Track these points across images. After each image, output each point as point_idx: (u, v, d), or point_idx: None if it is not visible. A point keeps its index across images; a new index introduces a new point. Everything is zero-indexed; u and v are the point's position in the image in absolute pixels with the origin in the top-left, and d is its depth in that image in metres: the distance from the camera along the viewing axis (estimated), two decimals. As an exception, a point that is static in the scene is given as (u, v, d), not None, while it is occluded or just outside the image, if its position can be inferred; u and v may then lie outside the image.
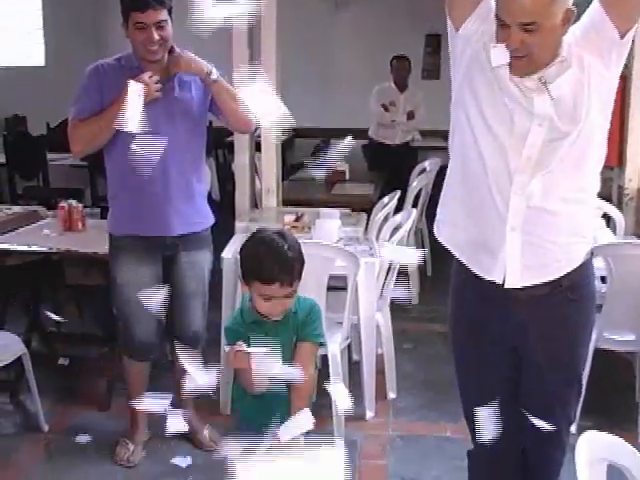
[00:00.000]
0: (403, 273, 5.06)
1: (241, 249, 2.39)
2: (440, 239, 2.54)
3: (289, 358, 2.37)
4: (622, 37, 2.19)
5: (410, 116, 7.71)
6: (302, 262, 2.34)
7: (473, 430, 2.57)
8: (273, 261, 2.26)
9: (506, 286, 2.35)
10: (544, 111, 2.23)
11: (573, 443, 1.82)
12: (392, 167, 7.22)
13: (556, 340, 2.42)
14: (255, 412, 2.44)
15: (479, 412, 2.44)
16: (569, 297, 2.38)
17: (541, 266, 2.35)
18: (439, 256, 6.96)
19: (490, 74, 2.27)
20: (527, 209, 2.29)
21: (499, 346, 2.47)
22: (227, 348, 2.45)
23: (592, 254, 2.44)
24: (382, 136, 7.81)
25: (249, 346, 2.29)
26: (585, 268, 2.40)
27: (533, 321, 2.40)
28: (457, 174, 2.46)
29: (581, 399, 2.58)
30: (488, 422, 2.42)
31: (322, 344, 2.48)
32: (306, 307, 2.43)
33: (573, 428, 2.69)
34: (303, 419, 2.31)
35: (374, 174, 7.32)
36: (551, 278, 2.35)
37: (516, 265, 2.34)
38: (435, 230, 2.56)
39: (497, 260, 2.35)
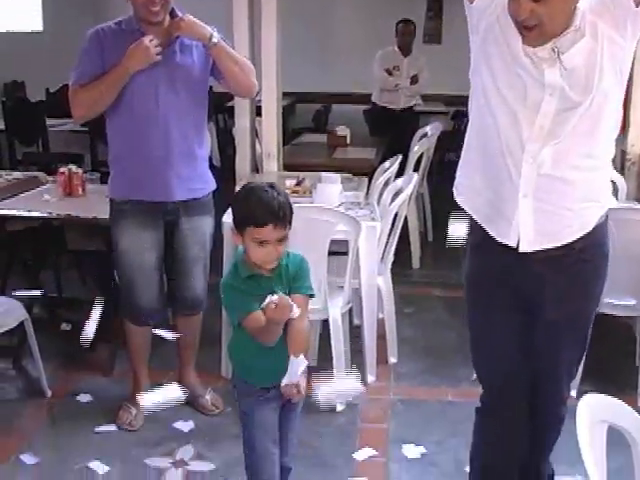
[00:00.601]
0: (404, 236, 5.06)
1: (233, 200, 2.46)
2: (458, 201, 2.59)
3: None
4: (637, 5, 2.17)
5: (414, 80, 7.67)
6: (292, 210, 2.41)
7: (483, 385, 2.64)
8: (265, 204, 2.33)
9: (520, 250, 2.40)
10: (555, 82, 2.24)
11: (573, 407, 1.83)
12: (395, 132, 7.19)
13: (568, 298, 2.46)
14: (258, 362, 2.49)
15: (489, 368, 2.57)
16: (582, 258, 2.42)
17: (554, 231, 2.39)
18: (440, 222, 7.03)
19: (504, 46, 2.28)
20: (538, 177, 2.32)
21: (512, 303, 2.51)
22: (231, 315, 2.51)
23: (607, 216, 2.46)
24: (386, 101, 7.76)
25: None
26: (599, 230, 2.43)
27: (547, 279, 2.44)
28: (474, 139, 2.49)
29: (584, 358, 2.61)
30: (498, 377, 2.56)
31: (312, 296, 2.53)
32: (296, 261, 2.50)
33: (573, 392, 2.72)
34: (299, 362, 2.41)
35: (375, 139, 7.29)
36: (563, 242, 2.39)
37: (529, 230, 2.38)
38: (454, 192, 2.60)
39: (511, 225, 2.40)
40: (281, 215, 2.34)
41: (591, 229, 2.39)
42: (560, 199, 2.35)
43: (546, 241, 2.39)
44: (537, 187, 2.33)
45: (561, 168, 2.32)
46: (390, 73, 7.65)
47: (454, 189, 2.61)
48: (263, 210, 2.33)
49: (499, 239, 2.44)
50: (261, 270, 2.41)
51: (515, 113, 2.30)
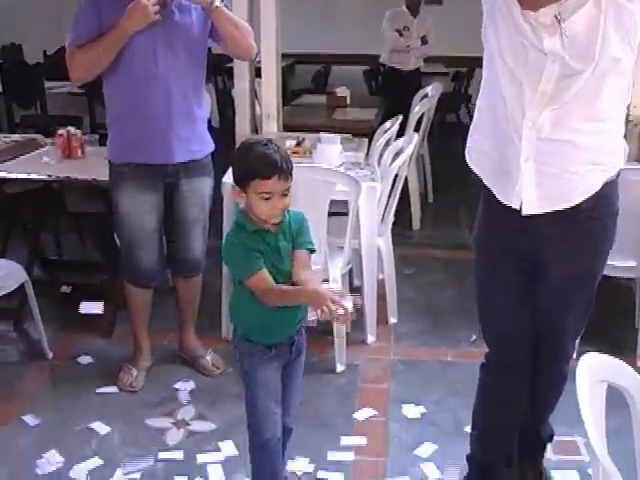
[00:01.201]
0: (404, 197, 5.05)
1: (233, 158, 2.43)
2: (470, 164, 2.60)
3: (289, 264, 2.45)
4: None
5: (424, 41, 7.61)
6: (292, 163, 2.40)
7: (488, 342, 2.70)
8: (268, 157, 2.32)
9: (523, 213, 2.40)
10: (555, 50, 2.21)
11: (573, 368, 1.83)
12: (400, 93, 7.10)
13: (576, 257, 2.48)
14: (261, 320, 2.47)
15: (494, 326, 2.63)
16: (591, 216, 2.42)
17: (558, 194, 2.39)
18: (440, 183, 7.02)
19: (507, 12, 2.26)
20: (538, 141, 2.32)
21: (519, 263, 2.53)
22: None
23: (618, 176, 2.46)
24: (396, 62, 7.69)
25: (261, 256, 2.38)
26: (608, 189, 2.42)
27: (554, 239, 2.45)
28: (484, 103, 2.50)
29: (588, 315, 2.62)
30: (502, 335, 2.62)
31: (313, 251, 2.54)
32: (298, 218, 2.51)
33: (573, 354, 2.73)
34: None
35: (375, 99, 7.24)
36: (568, 205, 2.39)
37: (532, 194, 2.39)
38: (467, 156, 2.61)
39: (514, 188, 2.41)
40: (284, 166, 2.34)
41: (599, 189, 2.38)
42: (564, 162, 2.35)
43: (550, 204, 2.39)
44: (538, 151, 2.34)
45: (562, 132, 2.31)
46: (400, 34, 7.58)
47: (466, 153, 2.61)
48: (266, 162, 2.32)
49: (504, 202, 2.46)
50: (265, 225, 2.41)
51: (518, 79, 2.30)
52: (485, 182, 2.54)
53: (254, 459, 2.63)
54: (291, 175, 2.38)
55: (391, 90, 7.41)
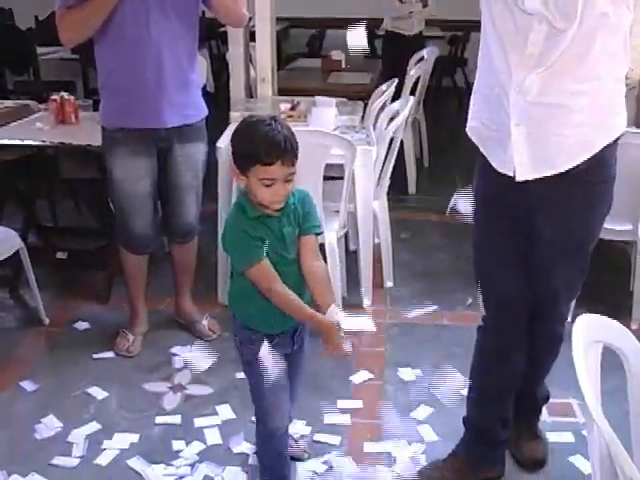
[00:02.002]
0: (400, 162, 5.04)
1: (233, 138, 2.26)
2: (468, 134, 2.59)
3: (294, 252, 2.33)
4: None
5: (424, 3, 7.55)
6: (297, 145, 2.24)
7: (485, 304, 2.70)
8: (271, 139, 2.14)
9: (517, 179, 2.39)
10: (536, 9, 2.18)
11: (568, 331, 1.83)
12: (406, 58, 7.02)
13: (571, 218, 2.47)
14: (264, 310, 2.33)
15: (491, 287, 2.64)
16: (587, 179, 2.39)
17: (551, 158, 2.36)
18: (436, 147, 6.99)
19: None
20: (526, 104, 2.30)
21: (515, 225, 2.53)
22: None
23: (617, 139, 2.42)
24: (400, 28, 7.63)
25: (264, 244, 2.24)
26: (607, 151, 2.39)
27: (550, 199, 2.44)
28: (480, 69, 2.49)
29: (584, 278, 2.62)
30: (498, 296, 2.63)
31: (321, 233, 2.42)
32: (303, 199, 2.36)
33: (568, 316, 2.73)
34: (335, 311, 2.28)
35: (371, 63, 7.19)
36: (562, 169, 2.36)
37: (524, 159, 2.37)
38: (467, 127, 2.59)
39: (506, 154, 2.39)
40: (289, 150, 2.17)
41: (597, 152, 2.35)
42: (557, 126, 2.32)
43: (543, 169, 2.37)
44: (528, 115, 2.31)
45: (552, 95, 2.28)
46: (401, 0, 7.51)
47: (467, 124, 2.60)
48: (269, 146, 2.13)
49: (499, 169, 2.44)
50: (267, 210, 2.26)
51: (504, 41, 2.28)
52: (481, 149, 2.54)
53: (262, 449, 2.58)
54: (296, 158, 2.21)
55: (396, 55, 7.32)
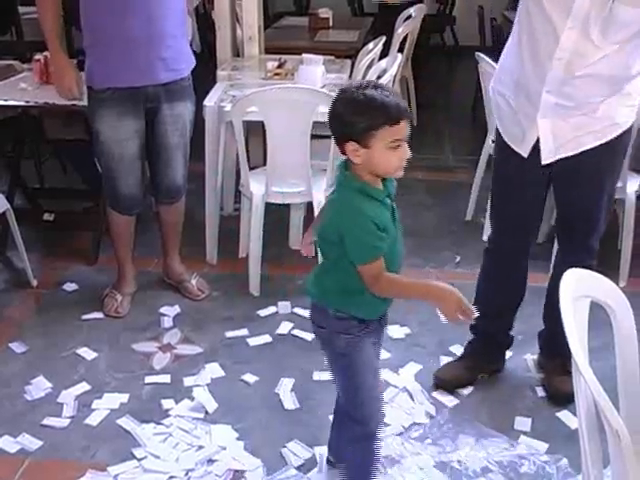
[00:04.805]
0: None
1: (344, 112, 2.01)
2: (490, 94, 2.88)
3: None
4: None
5: None
6: None
7: (497, 223, 3.01)
8: (390, 101, 1.97)
9: (543, 163, 2.67)
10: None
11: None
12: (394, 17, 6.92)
13: (590, 163, 2.69)
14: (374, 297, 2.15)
15: (503, 209, 2.91)
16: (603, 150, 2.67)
17: (575, 140, 2.63)
18: (424, 106, 6.94)
19: None
20: (555, 106, 2.56)
21: (535, 165, 2.71)
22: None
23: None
24: None
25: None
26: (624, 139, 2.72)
27: (567, 169, 2.72)
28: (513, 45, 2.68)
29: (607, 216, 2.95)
30: (508, 218, 2.91)
31: None
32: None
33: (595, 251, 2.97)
34: None
35: (358, 21, 7.12)
36: (588, 147, 2.64)
37: (549, 145, 2.64)
38: (491, 88, 2.86)
39: (524, 140, 2.68)
40: (406, 108, 2.02)
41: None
42: (582, 118, 2.58)
43: (567, 150, 2.65)
44: (557, 113, 2.57)
45: (579, 97, 2.54)
46: None
47: (490, 88, 2.88)
48: (393, 105, 1.97)
49: (510, 142, 2.72)
50: (378, 185, 2.09)
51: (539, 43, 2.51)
52: (498, 125, 2.78)
53: (361, 455, 2.33)
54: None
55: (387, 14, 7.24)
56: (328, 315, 2.18)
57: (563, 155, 2.65)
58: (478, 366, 3.13)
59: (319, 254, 2.24)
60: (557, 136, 2.62)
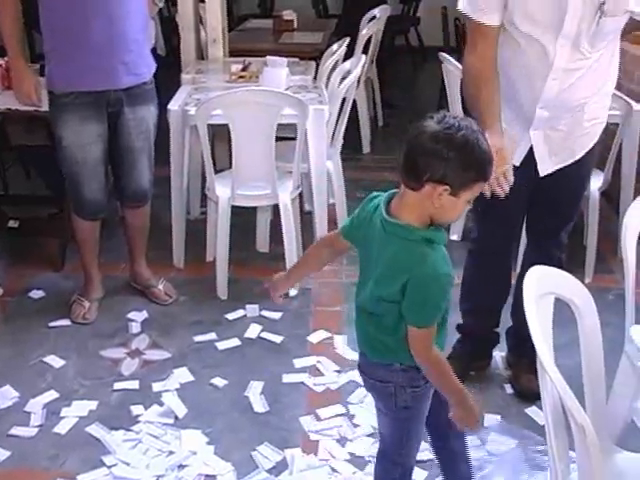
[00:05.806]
0: (354, 122, 5.02)
1: (454, 150, 1.79)
2: None
3: None
4: None
5: None
6: None
7: (479, 229, 3.02)
8: (486, 149, 1.84)
9: (541, 175, 2.75)
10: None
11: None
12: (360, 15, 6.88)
13: (580, 165, 2.80)
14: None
15: (489, 212, 2.85)
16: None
17: (568, 150, 2.74)
18: (389, 107, 6.94)
19: None
20: (548, 119, 2.64)
21: (527, 172, 2.73)
22: None
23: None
24: None
25: None
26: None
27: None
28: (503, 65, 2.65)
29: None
30: (499, 218, 2.88)
31: None
32: None
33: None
34: None
35: (323, 23, 7.12)
36: (579, 156, 2.75)
37: (544, 156, 2.73)
38: None
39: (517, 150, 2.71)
40: None
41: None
42: (572, 127, 2.68)
43: (560, 160, 2.74)
44: (549, 125, 2.65)
45: (570, 104, 2.61)
46: None
47: None
48: (489, 159, 1.85)
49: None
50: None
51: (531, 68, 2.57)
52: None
53: None
54: None
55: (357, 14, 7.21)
56: (394, 369, 2.03)
57: (561, 165, 2.74)
58: (466, 364, 3.14)
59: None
60: (550, 145, 2.71)
